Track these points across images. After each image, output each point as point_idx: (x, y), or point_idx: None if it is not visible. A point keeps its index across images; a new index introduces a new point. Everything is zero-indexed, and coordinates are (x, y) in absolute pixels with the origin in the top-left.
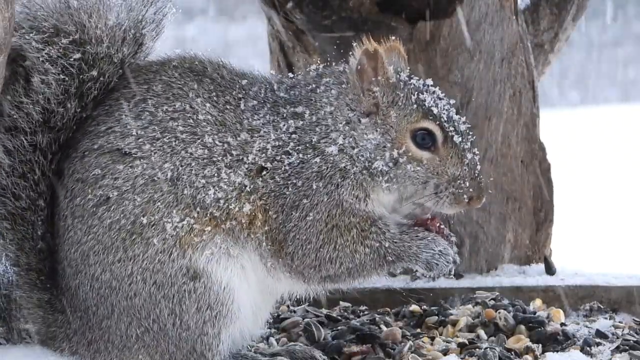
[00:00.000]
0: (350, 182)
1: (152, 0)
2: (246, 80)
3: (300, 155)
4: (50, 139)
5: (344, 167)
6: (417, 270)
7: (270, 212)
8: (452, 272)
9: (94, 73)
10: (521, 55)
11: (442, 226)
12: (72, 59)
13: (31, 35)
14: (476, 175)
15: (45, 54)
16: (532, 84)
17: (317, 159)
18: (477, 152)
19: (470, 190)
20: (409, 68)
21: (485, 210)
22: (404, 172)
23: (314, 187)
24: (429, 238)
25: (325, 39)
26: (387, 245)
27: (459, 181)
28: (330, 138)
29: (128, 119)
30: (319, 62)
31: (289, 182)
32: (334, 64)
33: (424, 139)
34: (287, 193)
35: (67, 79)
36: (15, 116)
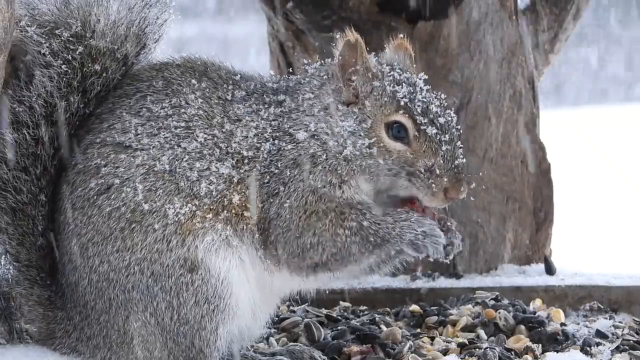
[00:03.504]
0: (321, 168)
1: (152, 2)
2: (240, 76)
3: (277, 142)
4: (52, 134)
5: (314, 152)
6: (409, 255)
7: (256, 201)
8: (449, 256)
9: (97, 67)
10: (521, 55)
11: (428, 208)
12: (74, 52)
13: (32, 29)
14: (453, 166)
15: (47, 47)
16: (532, 84)
17: (290, 146)
18: (459, 145)
19: (446, 180)
20: (415, 66)
21: (485, 210)
22: (376, 163)
23: (289, 174)
24: (412, 219)
25: (325, 39)
26: (366, 225)
27: (433, 173)
28: (303, 123)
29: (128, 115)
30: (316, 60)
31: (269, 170)
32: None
33: (399, 132)
34: (267, 181)
35: (69, 71)
36: (17, 109)
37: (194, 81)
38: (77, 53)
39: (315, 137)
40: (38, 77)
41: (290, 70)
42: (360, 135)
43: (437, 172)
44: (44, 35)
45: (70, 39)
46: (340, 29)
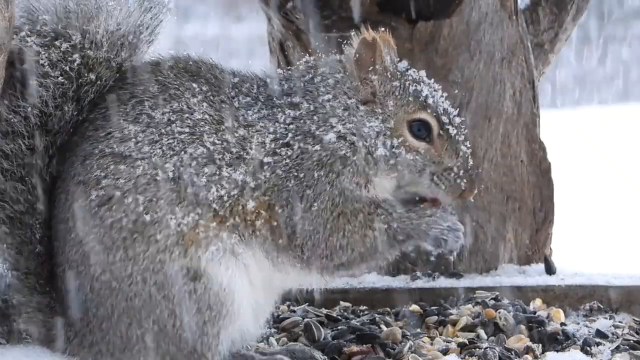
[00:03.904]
0: (350, 170)
1: (150, 7)
2: (238, 79)
3: (300, 145)
4: (47, 142)
5: (344, 154)
6: (426, 249)
7: (275, 207)
8: (459, 249)
9: (92, 77)
10: (521, 55)
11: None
12: (72, 63)
13: (31, 38)
14: (469, 167)
15: (46, 57)
16: (532, 84)
17: (317, 147)
18: (469, 145)
19: (465, 181)
20: (398, 59)
21: (485, 210)
22: (402, 161)
23: (316, 176)
24: (437, 214)
25: (325, 39)
26: (395, 226)
27: (453, 172)
28: (329, 124)
29: (126, 122)
30: (308, 55)
31: (291, 174)
32: (324, 55)
33: (419, 130)
34: (290, 185)
35: (66, 82)
36: (13, 120)
37: (194, 85)
38: (75, 64)
39: (344, 138)
40: (34, 87)
41: (289, 68)
42: (387, 135)
43: (457, 171)
44: (43, 46)
45: (69, 50)
46: (340, 29)
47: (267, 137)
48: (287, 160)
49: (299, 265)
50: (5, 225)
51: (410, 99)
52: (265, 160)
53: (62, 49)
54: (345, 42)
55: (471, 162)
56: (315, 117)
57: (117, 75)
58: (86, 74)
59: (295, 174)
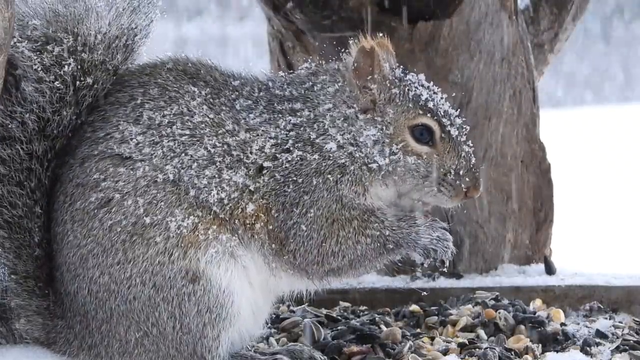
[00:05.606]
0: (349, 178)
1: (139, 6)
2: (238, 82)
3: (300, 152)
4: (46, 147)
5: (343, 163)
6: (414, 259)
7: (272, 211)
8: (449, 260)
9: (89, 80)
10: (521, 55)
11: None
12: (66, 67)
13: (22, 44)
14: (472, 166)
15: (38, 62)
16: (532, 84)
17: (316, 156)
18: (471, 144)
19: (468, 180)
20: (397, 64)
21: (485, 210)
22: (404, 167)
23: (314, 183)
24: (427, 224)
25: (325, 39)
26: (387, 234)
27: (456, 173)
28: (329, 134)
29: (126, 124)
30: (310, 60)
31: (289, 180)
32: (326, 61)
33: (422, 134)
34: (288, 190)
35: (62, 87)
36: (10, 125)
37: (193, 88)
38: (70, 68)
39: (343, 147)
40: (30, 92)
41: (291, 72)
42: (386, 142)
43: (461, 172)
44: (35, 51)
45: (62, 53)
46: (340, 29)
47: (268, 141)
48: (287, 165)
49: (291, 270)
50: (3, 229)
51: (410, 104)
52: (265, 164)
53: (54, 53)
54: (343, 50)
55: (474, 161)
56: (315, 126)
57: (114, 77)
58: (82, 78)
59: (294, 179)
